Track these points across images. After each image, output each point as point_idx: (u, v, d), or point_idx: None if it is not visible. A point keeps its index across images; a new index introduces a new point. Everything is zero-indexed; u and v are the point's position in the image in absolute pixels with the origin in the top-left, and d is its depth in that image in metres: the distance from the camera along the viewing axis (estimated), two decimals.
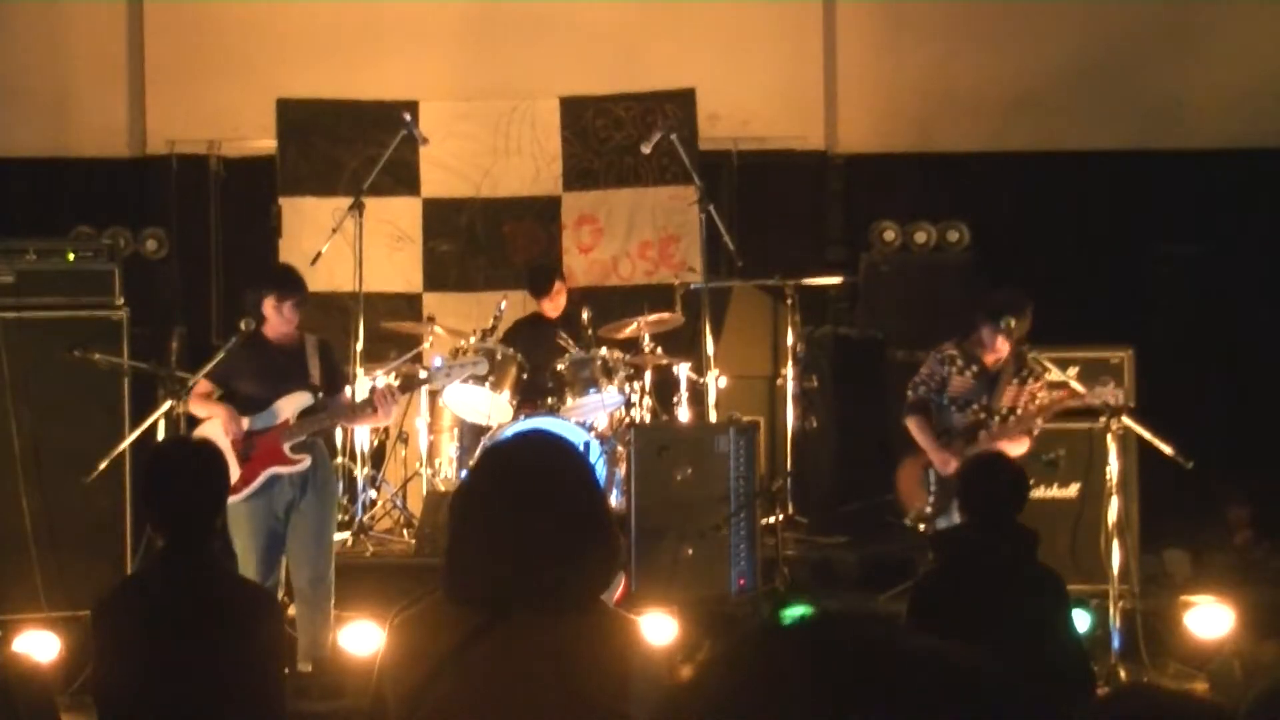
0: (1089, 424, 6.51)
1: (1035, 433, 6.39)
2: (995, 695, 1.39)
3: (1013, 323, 6.19)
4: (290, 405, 5.82)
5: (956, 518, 6.07)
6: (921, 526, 6.41)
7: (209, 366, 5.90)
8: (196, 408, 5.85)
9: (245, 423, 5.77)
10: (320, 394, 5.90)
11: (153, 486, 3.60)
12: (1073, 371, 6.73)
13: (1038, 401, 6.34)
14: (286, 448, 5.78)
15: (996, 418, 6.30)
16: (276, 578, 5.87)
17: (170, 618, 3.40)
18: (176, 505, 3.54)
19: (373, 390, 6.10)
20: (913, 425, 6.42)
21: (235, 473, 5.71)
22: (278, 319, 5.86)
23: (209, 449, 3.76)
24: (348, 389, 6.26)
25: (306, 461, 5.81)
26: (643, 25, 9.29)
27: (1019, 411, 6.32)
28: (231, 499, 5.73)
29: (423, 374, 6.44)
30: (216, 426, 5.77)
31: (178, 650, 3.36)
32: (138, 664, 3.38)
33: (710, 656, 1.40)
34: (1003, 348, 6.27)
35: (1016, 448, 6.22)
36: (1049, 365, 6.69)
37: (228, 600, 3.52)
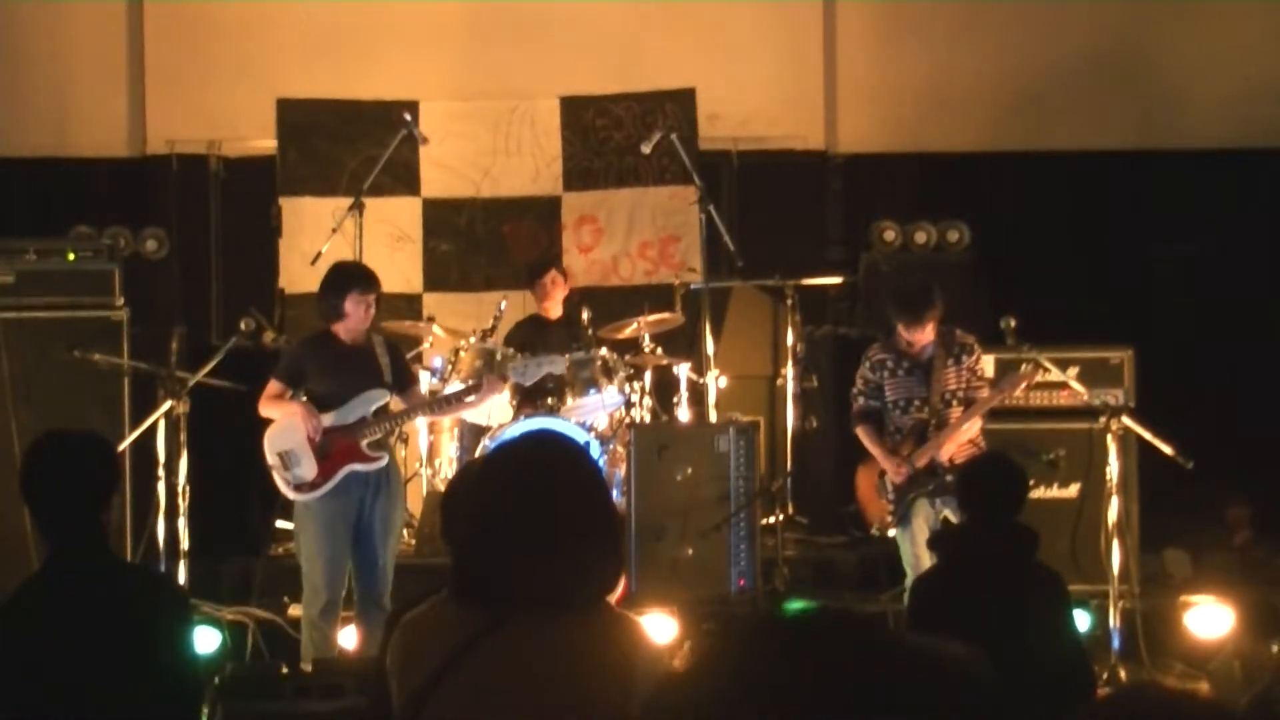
0: (1089, 424, 6.50)
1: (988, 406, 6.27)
2: (988, 696, 1.39)
3: (924, 316, 6.07)
4: (367, 403, 5.83)
5: (916, 524, 6.06)
6: (892, 533, 6.28)
7: (279, 368, 5.94)
8: (269, 410, 5.85)
9: (328, 419, 5.77)
10: (392, 391, 5.92)
11: (33, 485, 3.34)
12: (1073, 372, 6.73)
13: (985, 394, 6.24)
14: (364, 445, 5.78)
15: (939, 407, 6.20)
16: (342, 587, 5.81)
17: (73, 623, 3.21)
18: (63, 503, 3.30)
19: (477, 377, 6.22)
20: (862, 434, 6.32)
21: (313, 469, 5.74)
22: (360, 314, 5.86)
23: (91, 439, 3.58)
24: (416, 386, 6.30)
25: (384, 459, 5.83)
26: (643, 25, 9.29)
27: (960, 393, 6.21)
28: (308, 496, 5.76)
29: (490, 367, 6.55)
30: (292, 423, 5.77)
31: (84, 655, 3.18)
32: (41, 676, 3.18)
33: (701, 652, 1.40)
34: (922, 337, 6.16)
35: (971, 429, 6.18)
36: (1048, 364, 6.69)
37: (131, 596, 3.33)
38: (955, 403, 6.20)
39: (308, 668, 5.76)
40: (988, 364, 6.48)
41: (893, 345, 6.26)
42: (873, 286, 8.65)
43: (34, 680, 3.20)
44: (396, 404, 6.04)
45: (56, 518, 3.33)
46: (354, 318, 5.86)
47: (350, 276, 6.00)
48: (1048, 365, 6.60)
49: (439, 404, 6.18)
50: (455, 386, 6.73)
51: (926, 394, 6.19)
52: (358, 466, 5.77)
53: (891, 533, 6.28)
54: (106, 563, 3.41)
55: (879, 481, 6.29)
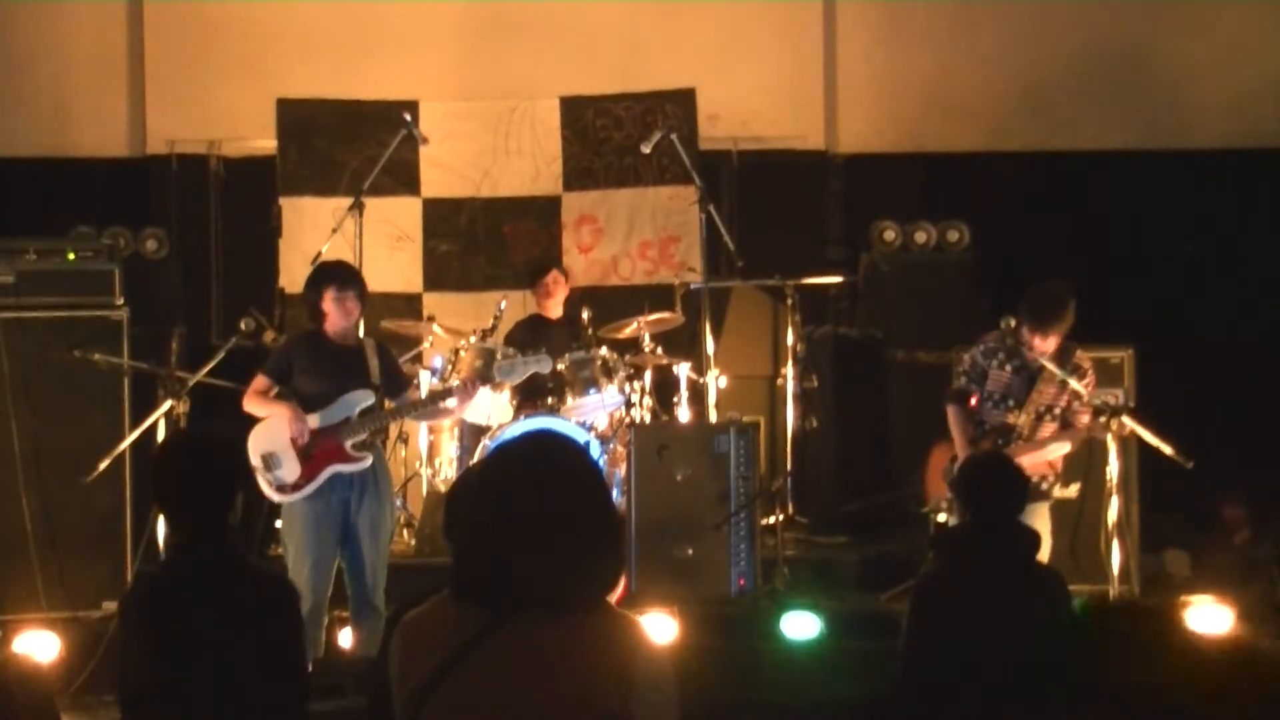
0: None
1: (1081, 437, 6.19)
2: None
3: (1054, 326, 6.01)
4: (352, 403, 5.78)
5: None
6: (941, 518, 6.27)
7: (267, 363, 5.92)
8: (254, 406, 5.81)
9: (312, 419, 5.73)
10: (380, 393, 5.87)
11: (163, 482, 3.59)
12: None
13: (1085, 419, 6.16)
14: (348, 445, 5.73)
15: (1033, 417, 6.15)
16: (327, 589, 5.78)
17: (194, 612, 3.40)
18: (189, 500, 3.53)
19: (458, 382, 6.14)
20: (951, 414, 6.24)
21: (296, 471, 5.72)
22: (339, 312, 5.80)
23: (217, 441, 3.72)
24: (411, 389, 6.21)
25: (368, 460, 5.77)
26: (643, 25, 9.29)
27: (1058, 410, 6.15)
28: (291, 497, 5.73)
29: (484, 368, 6.45)
30: (276, 425, 5.74)
31: (201, 644, 3.36)
32: (163, 660, 3.38)
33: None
34: (1044, 346, 6.08)
35: (1057, 450, 6.13)
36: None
37: (248, 593, 3.51)
38: (1050, 418, 6.13)
39: None
40: None
41: (1007, 339, 6.20)
42: (873, 286, 8.67)
43: (155, 664, 3.39)
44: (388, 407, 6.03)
45: (182, 515, 3.56)
46: (333, 316, 5.81)
47: (326, 275, 5.93)
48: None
49: (414, 407, 6.06)
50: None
51: (1025, 400, 6.13)
52: (341, 467, 5.73)
53: (941, 517, 6.26)
54: (225, 562, 3.56)
55: (948, 466, 6.23)
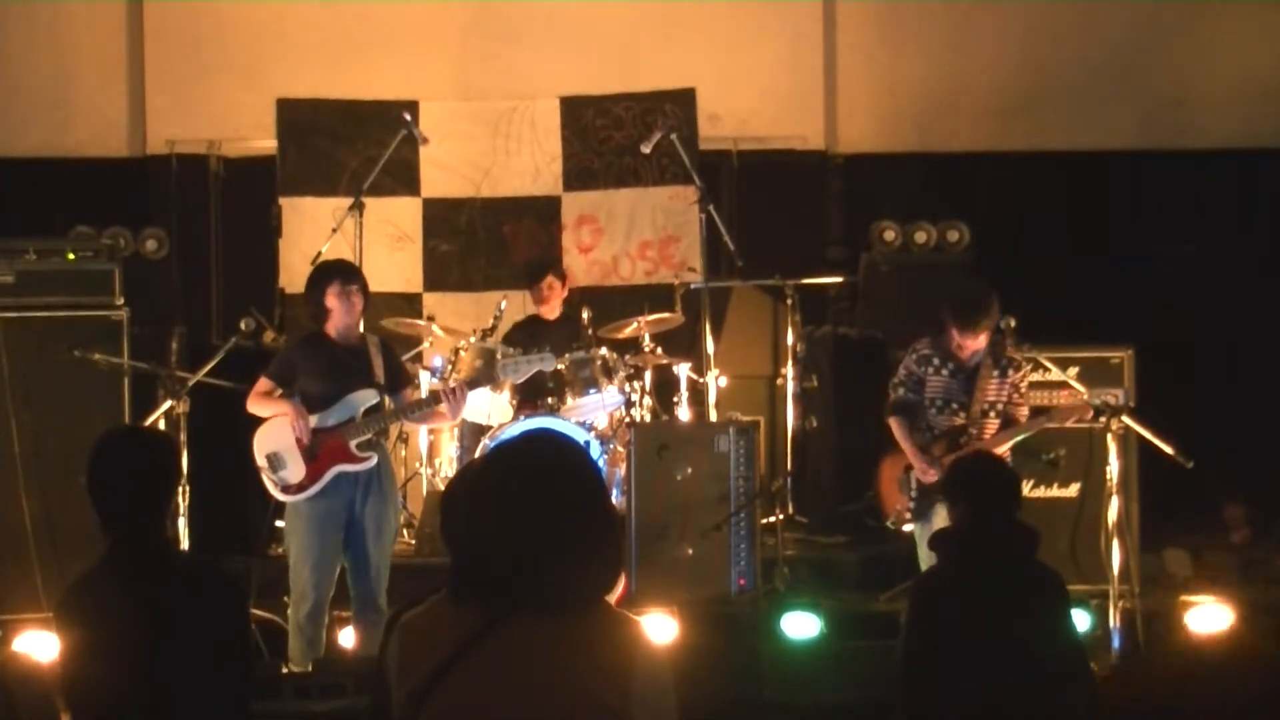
0: (1089, 424, 6.50)
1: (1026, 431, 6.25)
2: None
3: (981, 323, 6.06)
4: (357, 403, 5.77)
5: (936, 523, 6.02)
6: (909, 528, 6.29)
7: (270, 366, 5.91)
8: (258, 407, 5.81)
9: (317, 419, 5.73)
10: (384, 392, 5.85)
11: (101, 479, 3.46)
12: (1073, 371, 6.73)
13: (1024, 412, 6.20)
14: (353, 445, 5.73)
15: (978, 415, 6.16)
16: (329, 590, 5.78)
17: (132, 610, 3.32)
18: (128, 496, 3.43)
19: (442, 388, 6.11)
20: (894, 426, 6.25)
21: (301, 471, 5.71)
22: (344, 308, 5.79)
23: (154, 436, 3.65)
24: (409, 388, 6.17)
25: (373, 460, 5.76)
26: (643, 25, 9.29)
27: (1000, 405, 6.19)
28: (296, 497, 5.73)
29: (485, 368, 6.41)
30: (281, 425, 5.74)
31: (143, 642, 3.29)
32: (105, 661, 3.30)
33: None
34: (974, 344, 6.12)
35: (1005, 447, 6.14)
36: (1048, 364, 6.68)
37: (188, 587, 3.44)
38: (994, 414, 6.16)
39: (295, 669, 5.74)
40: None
41: (941, 344, 6.20)
42: (873, 286, 8.66)
43: (97, 665, 3.30)
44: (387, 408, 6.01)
45: (117, 512, 3.44)
46: (339, 312, 5.81)
47: (327, 272, 5.93)
48: (1048, 364, 6.60)
49: (407, 411, 6.00)
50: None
51: (967, 400, 6.13)
52: (346, 467, 5.72)
53: (907, 527, 6.25)
54: (162, 557, 3.49)
55: (903, 476, 6.23)
